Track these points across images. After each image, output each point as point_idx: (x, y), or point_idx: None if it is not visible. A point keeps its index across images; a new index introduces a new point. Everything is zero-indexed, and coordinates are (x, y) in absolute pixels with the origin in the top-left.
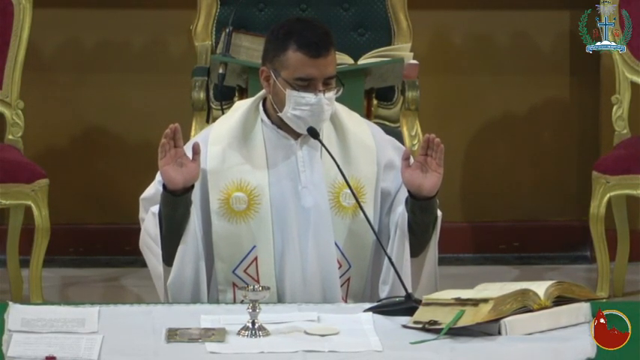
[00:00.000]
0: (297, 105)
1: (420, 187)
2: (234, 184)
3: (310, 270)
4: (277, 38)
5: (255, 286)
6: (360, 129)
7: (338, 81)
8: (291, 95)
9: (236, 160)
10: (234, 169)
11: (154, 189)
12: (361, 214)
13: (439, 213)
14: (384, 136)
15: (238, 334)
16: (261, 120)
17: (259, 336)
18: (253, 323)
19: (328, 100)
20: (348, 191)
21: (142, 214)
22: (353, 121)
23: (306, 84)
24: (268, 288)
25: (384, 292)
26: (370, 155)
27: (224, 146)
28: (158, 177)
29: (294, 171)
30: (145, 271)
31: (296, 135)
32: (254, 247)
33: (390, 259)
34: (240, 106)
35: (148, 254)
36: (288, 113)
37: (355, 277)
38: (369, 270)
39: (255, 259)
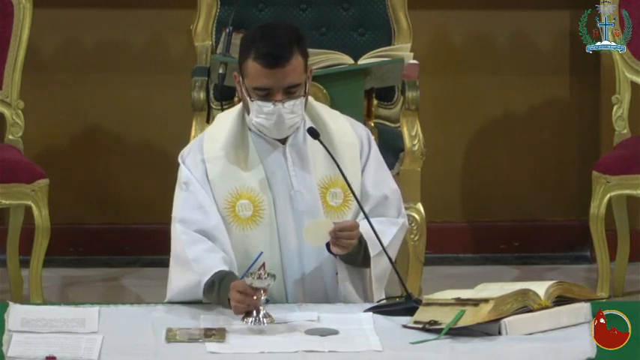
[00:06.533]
0: (259, 113)
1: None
2: (237, 192)
3: (310, 274)
4: (243, 45)
5: (261, 274)
6: (342, 127)
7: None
8: (252, 103)
9: (235, 168)
10: (235, 177)
11: (191, 212)
12: (346, 213)
13: (372, 253)
14: (362, 129)
15: (243, 319)
16: (248, 128)
17: (264, 323)
18: (258, 311)
19: (290, 109)
20: (335, 190)
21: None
22: (334, 119)
23: (264, 93)
24: (274, 275)
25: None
26: (354, 153)
27: (221, 156)
28: (193, 200)
29: (286, 175)
30: (145, 271)
31: (282, 139)
32: (261, 253)
33: (390, 259)
34: (225, 117)
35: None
36: (252, 120)
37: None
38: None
39: (264, 264)
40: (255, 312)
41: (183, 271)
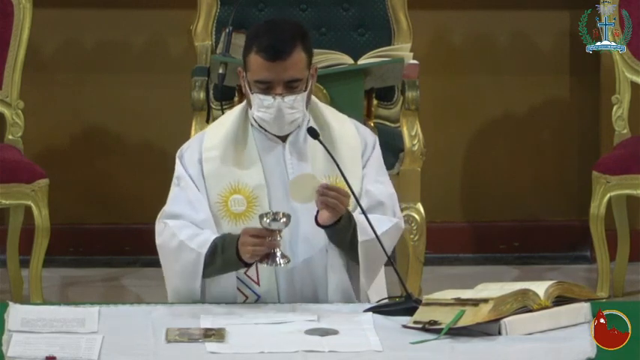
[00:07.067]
0: (260, 107)
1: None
2: (231, 187)
3: (301, 267)
4: (246, 40)
5: (276, 215)
6: (346, 129)
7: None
8: (253, 97)
9: (232, 163)
10: (232, 173)
11: (179, 207)
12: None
13: (361, 238)
14: (368, 133)
15: (261, 261)
16: (251, 124)
17: (281, 264)
18: (275, 252)
19: (290, 104)
20: None
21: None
22: (338, 120)
23: (264, 87)
24: (289, 215)
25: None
26: (355, 155)
27: (219, 151)
28: (183, 195)
29: (283, 173)
30: (145, 271)
31: (283, 137)
32: None
33: (389, 258)
34: (228, 114)
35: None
36: (254, 114)
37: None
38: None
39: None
40: (271, 253)
41: (177, 255)
